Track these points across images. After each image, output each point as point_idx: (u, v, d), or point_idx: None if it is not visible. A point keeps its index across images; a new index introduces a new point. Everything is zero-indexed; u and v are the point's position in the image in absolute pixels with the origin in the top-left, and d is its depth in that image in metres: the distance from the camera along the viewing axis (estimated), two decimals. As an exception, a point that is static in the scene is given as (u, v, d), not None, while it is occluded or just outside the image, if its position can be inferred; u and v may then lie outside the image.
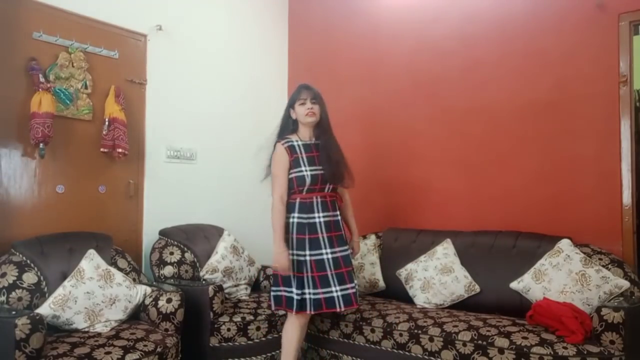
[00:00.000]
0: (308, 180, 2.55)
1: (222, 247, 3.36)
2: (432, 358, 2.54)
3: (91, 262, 2.58)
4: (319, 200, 2.57)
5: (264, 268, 3.61)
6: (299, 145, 2.63)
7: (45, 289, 2.47)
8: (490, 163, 3.35)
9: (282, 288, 2.57)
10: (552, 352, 2.19)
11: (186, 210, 3.60)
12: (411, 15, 3.81)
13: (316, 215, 2.56)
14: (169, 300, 2.58)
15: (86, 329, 2.40)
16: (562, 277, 2.63)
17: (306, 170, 2.56)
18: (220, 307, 2.84)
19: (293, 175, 2.58)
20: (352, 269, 2.60)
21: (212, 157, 3.84)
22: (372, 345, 2.78)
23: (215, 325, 2.80)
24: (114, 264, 2.79)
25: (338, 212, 2.64)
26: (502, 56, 3.34)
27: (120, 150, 3.06)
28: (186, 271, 3.19)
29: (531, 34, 3.22)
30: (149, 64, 3.40)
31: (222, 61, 3.97)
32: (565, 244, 2.76)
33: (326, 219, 2.57)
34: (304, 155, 2.60)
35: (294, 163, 2.59)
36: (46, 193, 2.85)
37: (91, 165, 3.06)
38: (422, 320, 2.69)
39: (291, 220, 2.56)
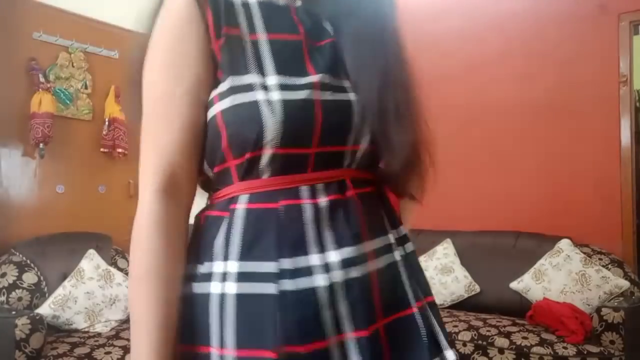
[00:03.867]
0: (272, 126, 0.60)
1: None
2: (432, 358, 2.54)
3: (91, 262, 2.58)
4: (324, 204, 0.63)
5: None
6: (247, 4, 0.67)
7: (45, 289, 2.47)
8: (490, 163, 3.35)
9: None
10: (552, 352, 2.19)
11: (186, 210, 3.60)
12: (411, 15, 3.80)
13: (314, 259, 0.61)
14: (169, 300, 2.58)
15: (86, 329, 2.40)
16: (562, 277, 2.63)
17: (270, 88, 0.62)
18: (220, 307, 2.83)
19: (221, 106, 0.63)
20: None
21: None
22: (372, 345, 2.78)
23: (215, 325, 2.80)
24: (114, 264, 2.79)
25: (394, 233, 0.72)
26: (502, 56, 3.33)
27: (120, 150, 3.06)
28: (186, 271, 3.19)
29: (531, 34, 3.22)
30: (149, 64, 3.40)
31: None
32: (565, 244, 2.76)
33: (349, 273, 0.62)
34: (262, 37, 0.65)
35: (228, 59, 0.63)
36: (46, 193, 2.85)
37: (91, 165, 3.06)
38: (422, 320, 2.69)
39: (215, 289, 0.62)
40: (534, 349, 2.23)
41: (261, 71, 0.63)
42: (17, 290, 2.37)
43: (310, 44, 0.67)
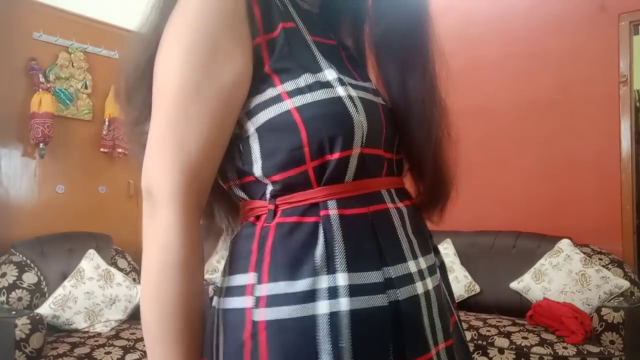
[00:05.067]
0: (360, 123, 0.57)
1: (222, 246, 3.36)
2: (432, 358, 2.54)
3: (91, 262, 2.58)
4: (404, 209, 0.63)
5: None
6: (281, 1, 0.63)
7: (45, 289, 2.47)
8: (490, 163, 3.35)
9: None
10: (552, 352, 2.19)
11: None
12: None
13: (412, 265, 0.59)
14: (169, 300, 2.58)
15: (86, 329, 2.40)
16: (562, 277, 2.63)
17: (346, 85, 0.58)
18: (220, 307, 2.83)
19: (296, 102, 0.56)
20: None
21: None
22: (372, 345, 2.78)
23: (215, 325, 2.80)
24: (114, 264, 2.79)
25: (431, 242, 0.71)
26: (502, 56, 3.34)
27: (120, 150, 3.06)
28: (186, 271, 3.19)
29: (531, 35, 3.22)
30: (149, 64, 3.40)
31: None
32: (565, 244, 2.76)
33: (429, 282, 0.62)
34: (308, 37, 0.62)
35: (290, 53, 0.58)
36: (46, 193, 2.85)
37: (91, 165, 3.06)
38: (422, 320, 2.69)
39: (323, 309, 0.53)
40: (534, 349, 2.23)
41: (331, 68, 0.59)
42: (17, 290, 2.37)
43: (345, 50, 0.67)
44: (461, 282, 2.98)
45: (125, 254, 2.97)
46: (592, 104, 2.97)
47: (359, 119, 0.56)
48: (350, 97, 0.56)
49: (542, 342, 2.26)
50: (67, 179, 2.95)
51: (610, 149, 2.90)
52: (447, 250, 3.15)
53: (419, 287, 0.57)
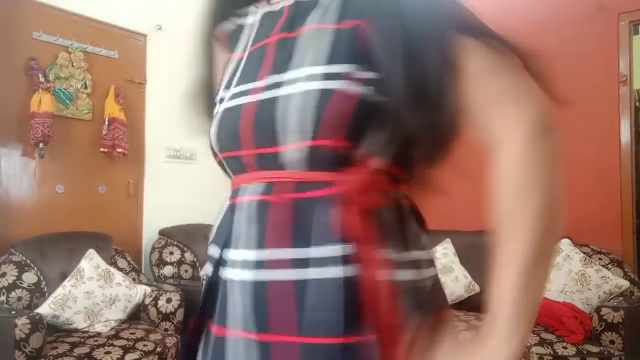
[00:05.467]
0: (211, 135, 0.74)
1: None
2: (432, 358, 2.54)
3: (91, 262, 2.58)
4: (244, 204, 0.67)
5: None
6: (254, 23, 0.74)
7: (45, 289, 2.47)
8: (490, 163, 3.35)
9: None
10: (552, 352, 2.19)
11: (186, 210, 3.60)
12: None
13: (237, 253, 0.66)
14: (169, 301, 2.58)
15: (86, 329, 2.40)
16: (562, 277, 2.63)
17: (221, 101, 0.72)
18: (220, 307, 2.84)
19: None
20: None
21: (212, 157, 3.84)
22: (372, 345, 2.78)
23: (215, 325, 2.80)
24: (114, 264, 2.79)
25: (328, 250, 0.59)
26: (502, 56, 3.34)
27: (120, 150, 3.06)
28: (186, 271, 3.19)
29: (531, 35, 3.21)
30: (149, 64, 3.40)
31: (222, 61, 3.97)
32: (565, 244, 2.76)
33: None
34: (238, 56, 0.74)
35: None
36: (46, 193, 2.85)
37: (91, 165, 3.06)
38: (422, 320, 2.69)
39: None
40: (534, 349, 2.23)
41: (226, 87, 0.72)
42: (17, 290, 2.37)
43: (278, 42, 0.67)
44: (461, 282, 2.99)
45: (125, 254, 2.97)
46: (592, 104, 2.97)
47: (212, 130, 0.73)
48: (216, 112, 0.73)
49: (542, 342, 2.26)
50: (67, 179, 2.95)
51: (610, 149, 2.90)
52: (447, 250, 3.15)
53: (235, 274, 0.65)
